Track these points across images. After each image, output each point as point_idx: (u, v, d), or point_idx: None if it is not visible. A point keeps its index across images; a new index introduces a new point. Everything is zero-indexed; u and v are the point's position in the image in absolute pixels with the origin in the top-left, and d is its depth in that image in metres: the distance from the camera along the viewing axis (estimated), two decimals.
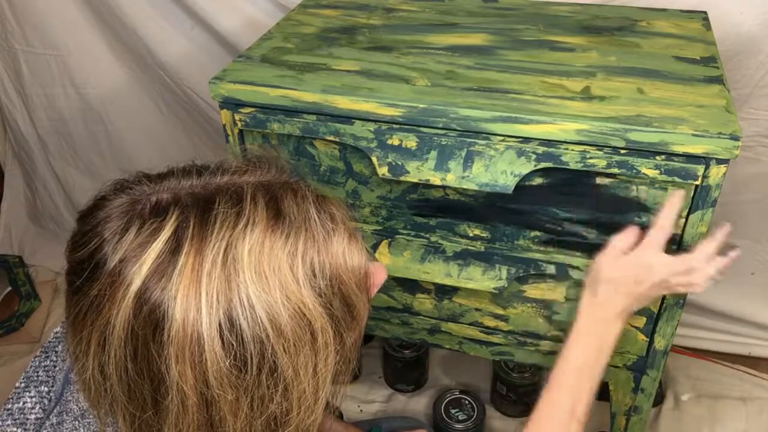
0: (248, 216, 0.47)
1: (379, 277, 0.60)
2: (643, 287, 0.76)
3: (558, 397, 0.74)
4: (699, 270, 0.76)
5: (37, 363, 0.65)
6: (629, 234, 0.78)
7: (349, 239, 0.52)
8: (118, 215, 0.48)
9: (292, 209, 0.49)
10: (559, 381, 0.74)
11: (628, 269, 0.77)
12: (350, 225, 0.54)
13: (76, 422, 0.58)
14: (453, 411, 1.28)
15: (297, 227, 0.49)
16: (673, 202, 0.76)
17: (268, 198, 0.49)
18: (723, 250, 0.77)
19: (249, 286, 0.46)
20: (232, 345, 0.45)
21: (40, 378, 0.64)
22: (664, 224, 0.76)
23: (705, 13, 1.07)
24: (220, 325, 0.45)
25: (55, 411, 0.61)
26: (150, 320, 0.45)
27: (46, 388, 0.64)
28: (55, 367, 0.64)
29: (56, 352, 0.65)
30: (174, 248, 0.46)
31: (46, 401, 0.63)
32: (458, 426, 1.26)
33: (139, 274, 0.45)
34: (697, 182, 0.78)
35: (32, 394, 0.63)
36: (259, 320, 0.46)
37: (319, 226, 0.50)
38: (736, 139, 0.74)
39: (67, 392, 0.61)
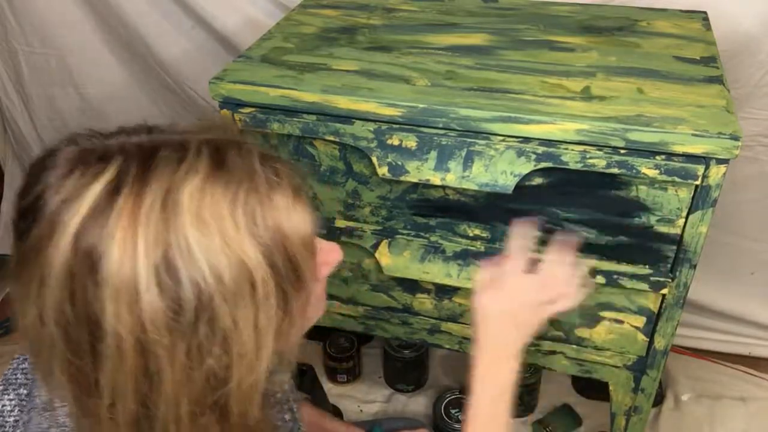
0: (191, 163, 0.48)
1: (332, 256, 0.60)
2: (521, 315, 0.74)
3: None
4: (562, 278, 0.74)
5: (16, 365, 0.65)
6: (487, 266, 0.77)
7: (294, 196, 0.52)
8: (63, 163, 0.49)
9: (235, 161, 0.50)
10: (473, 428, 0.75)
11: (501, 302, 0.74)
12: (297, 184, 0.54)
13: (41, 417, 0.58)
14: (453, 411, 1.28)
15: (239, 177, 0.49)
16: (520, 229, 0.75)
17: (212, 149, 0.50)
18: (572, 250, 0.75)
19: (188, 229, 0.46)
20: (169, 286, 0.45)
21: (18, 381, 0.64)
22: (515, 249, 0.75)
23: (705, 13, 1.07)
24: (156, 266, 0.45)
25: (26, 409, 0.61)
26: (87, 260, 0.45)
27: (25, 391, 0.63)
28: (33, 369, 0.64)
29: None
30: (114, 189, 0.46)
31: (24, 403, 0.63)
32: (458, 426, 1.26)
33: (78, 214, 0.46)
34: (697, 182, 0.78)
35: (11, 396, 0.63)
36: (197, 264, 0.46)
37: (262, 177, 0.50)
38: (736, 139, 0.74)
39: (35, 389, 0.61)
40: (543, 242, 0.89)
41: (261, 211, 0.49)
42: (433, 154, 0.84)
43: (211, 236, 0.46)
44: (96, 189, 0.46)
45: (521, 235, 0.76)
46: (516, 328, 0.74)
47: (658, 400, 1.38)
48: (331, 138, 0.87)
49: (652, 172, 0.78)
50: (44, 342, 0.49)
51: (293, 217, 0.51)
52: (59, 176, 0.48)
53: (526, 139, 0.81)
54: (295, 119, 0.87)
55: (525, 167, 0.82)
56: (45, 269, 0.46)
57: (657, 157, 0.78)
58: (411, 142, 0.84)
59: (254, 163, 0.51)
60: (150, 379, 0.47)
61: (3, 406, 0.63)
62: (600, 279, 0.89)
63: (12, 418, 0.62)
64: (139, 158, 0.48)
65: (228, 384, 0.49)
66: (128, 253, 0.45)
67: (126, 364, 0.46)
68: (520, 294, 0.74)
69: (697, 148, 0.76)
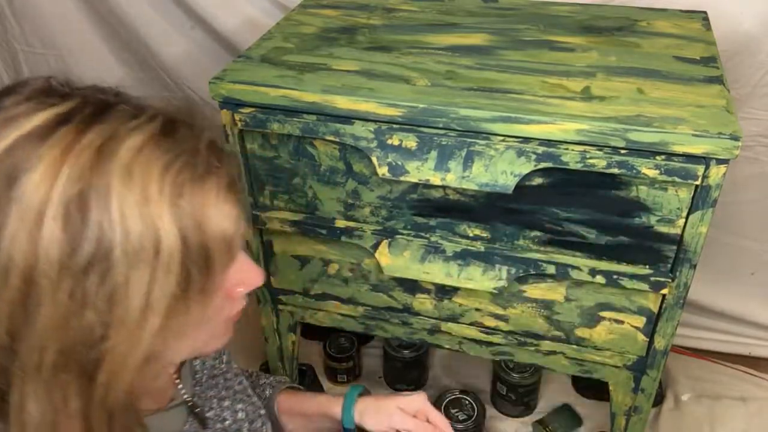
0: (141, 122, 0.49)
1: (251, 277, 0.59)
2: None
3: None
4: None
5: None
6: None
7: (228, 188, 0.52)
8: (27, 92, 0.50)
9: (184, 135, 0.51)
10: None
11: None
12: (234, 179, 0.54)
13: None
14: (453, 411, 1.28)
15: (181, 150, 0.50)
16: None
17: (166, 119, 0.51)
18: None
19: (113, 177, 0.46)
20: (75, 223, 0.46)
21: None
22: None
23: (705, 13, 1.07)
24: (70, 199, 0.45)
25: None
26: (9, 175, 0.46)
27: None
28: None
29: None
30: (61, 122, 0.47)
31: None
32: (458, 426, 1.25)
33: (17, 130, 0.46)
34: (697, 182, 0.78)
35: None
36: (109, 210, 0.46)
37: (203, 158, 0.51)
38: (736, 139, 0.74)
39: None
40: (544, 242, 0.89)
41: (190, 187, 0.49)
42: (433, 154, 0.84)
43: (132, 190, 0.47)
44: (44, 116, 0.47)
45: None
46: None
47: (658, 400, 1.38)
48: (331, 138, 0.87)
49: (652, 172, 0.78)
50: None
51: (220, 207, 0.51)
52: (17, 101, 0.49)
53: (526, 139, 0.81)
54: (295, 119, 0.87)
55: (525, 167, 0.82)
56: None
57: (657, 157, 0.78)
58: (411, 142, 0.84)
59: (200, 143, 0.51)
60: (26, 311, 0.47)
61: None
62: (600, 279, 0.89)
63: None
64: (96, 106, 0.49)
65: (101, 346, 0.48)
66: (48, 178, 0.45)
67: (8, 288, 0.46)
68: None
69: (697, 148, 0.76)
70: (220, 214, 0.51)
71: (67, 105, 0.48)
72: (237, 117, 0.90)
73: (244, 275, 0.58)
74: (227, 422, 0.74)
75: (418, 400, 0.84)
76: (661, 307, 0.90)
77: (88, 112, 0.48)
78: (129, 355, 0.50)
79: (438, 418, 0.83)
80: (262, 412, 0.80)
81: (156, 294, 0.48)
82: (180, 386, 0.71)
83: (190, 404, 0.71)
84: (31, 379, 0.49)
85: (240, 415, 0.76)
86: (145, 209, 0.47)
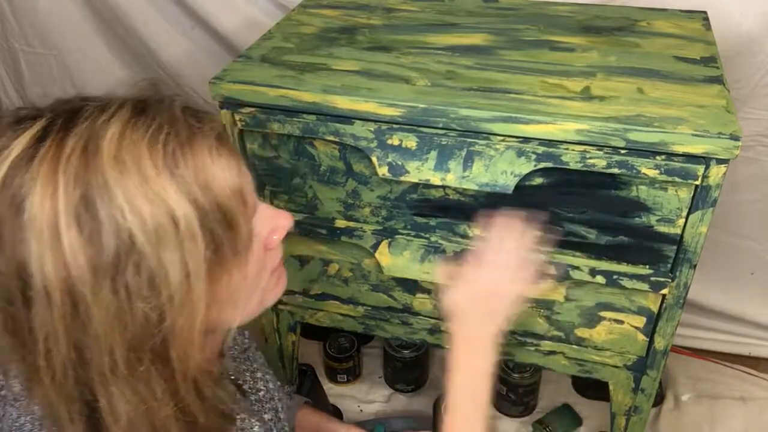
0: (112, 112, 0.50)
1: (280, 222, 0.60)
2: (490, 304, 0.75)
3: None
4: (516, 265, 0.75)
5: None
6: (447, 262, 0.81)
7: (217, 143, 0.53)
8: (1, 128, 0.51)
9: (157, 109, 0.52)
10: (452, 422, 0.74)
11: (468, 294, 0.75)
12: (220, 131, 0.55)
13: (12, 408, 0.59)
14: None
15: (160, 123, 0.50)
16: (499, 223, 0.77)
17: (135, 102, 0.52)
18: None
19: (106, 169, 0.47)
20: (89, 224, 0.46)
21: None
22: (490, 239, 0.77)
23: (705, 13, 1.07)
24: (76, 205, 0.46)
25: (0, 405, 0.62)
26: (12, 204, 0.47)
27: None
28: None
29: None
30: (39, 139, 0.48)
31: None
32: None
33: (4, 163, 0.48)
34: (697, 182, 0.78)
35: None
36: (115, 201, 0.47)
37: (182, 123, 0.52)
38: (736, 139, 0.74)
39: (9, 381, 0.61)
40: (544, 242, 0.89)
41: (182, 153, 0.50)
42: (433, 154, 0.84)
43: (129, 175, 0.47)
44: (23, 141, 0.48)
45: (489, 226, 0.77)
46: (487, 318, 0.75)
47: (658, 400, 1.38)
48: (331, 138, 0.87)
49: (652, 172, 0.78)
50: None
51: (217, 162, 0.52)
52: None
53: (526, 139, 0.81)
54: (295, 119, 0.87)
55: (525, 167, 0.82)
56: None
57: (657, 157, 0.78)
58: (411, 142, 0.84)
59: (175, 111, 0.52)
60: (80, 322, 0.48)
61: None
62: (600, 279, 0.89)
63: None
64: (66, 114, 0.50)
65: (162, 328, 0.49)
66: (49, 193, 0.46)
67: (54, 306, 0.47)
68: (483, 284, 0.75)
69: (697, 148, 0.76)
70: (220, 169, 0.52)
71: (39, 124, 0.49)
72: (237, 117, 0.90)
73: (273, 222, 0.60)
74: (261, 393, 0.76)
75: None
76: (661, 307, 0.90)
77: (60, 122, 0.49)
78: (190, 326, 0.51)
79: None
80: (278, 383, 0.82)
81: (192, 264, 0.49)
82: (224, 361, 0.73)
83: (232, 378, 0.72)
84: (112, 381, 0.50)
85: (270, 385, 0.78)
86: (148, 189, 0.48)
